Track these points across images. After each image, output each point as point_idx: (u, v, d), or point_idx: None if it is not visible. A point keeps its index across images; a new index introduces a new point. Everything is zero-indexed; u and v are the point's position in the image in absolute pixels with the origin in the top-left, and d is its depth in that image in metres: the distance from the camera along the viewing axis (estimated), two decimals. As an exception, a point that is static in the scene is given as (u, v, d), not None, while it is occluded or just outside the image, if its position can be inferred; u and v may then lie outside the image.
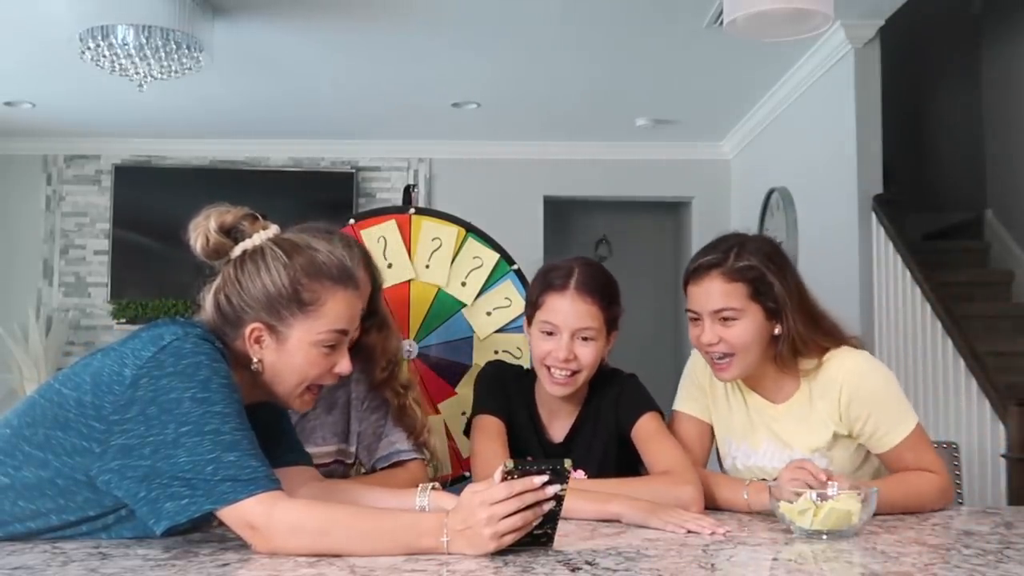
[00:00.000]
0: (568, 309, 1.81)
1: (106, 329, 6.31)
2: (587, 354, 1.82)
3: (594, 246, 7.24)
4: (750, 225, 5.33)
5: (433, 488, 1.54)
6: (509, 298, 2.48)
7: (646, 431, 1.85)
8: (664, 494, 1.66)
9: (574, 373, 1.83)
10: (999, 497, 3.25)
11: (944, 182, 5.75)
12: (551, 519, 1.31)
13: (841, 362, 1.79)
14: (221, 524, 1.33)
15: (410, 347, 2.41)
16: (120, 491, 1.29)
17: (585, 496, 1.62)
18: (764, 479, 1.77)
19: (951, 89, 5.79)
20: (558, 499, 1.28)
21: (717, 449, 1.96)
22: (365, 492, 1.56)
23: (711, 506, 1.72)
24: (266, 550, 1.28)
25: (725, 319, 1.75)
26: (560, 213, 6.93)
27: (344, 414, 1.97)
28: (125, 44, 3.76)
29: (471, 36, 4.47)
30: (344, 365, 1.48)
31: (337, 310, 1.45)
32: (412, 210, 2.56)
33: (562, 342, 1.81)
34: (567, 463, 1.27)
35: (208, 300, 1.46)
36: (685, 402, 1.95)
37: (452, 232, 2.51)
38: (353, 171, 6.49)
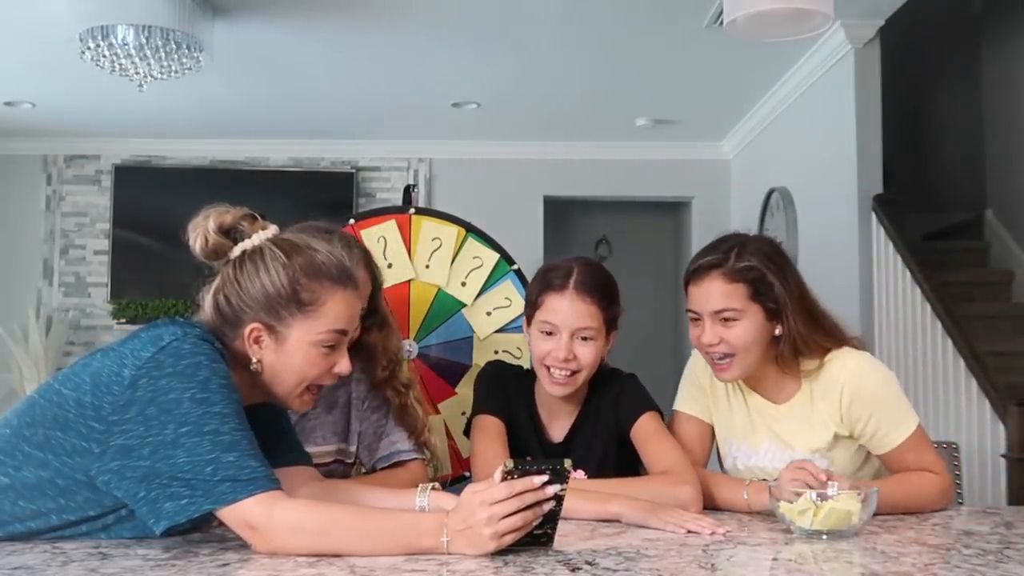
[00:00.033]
0: (567, 309, 1.81)
1: (106, 329, 6.31)
2: (587, 354, 1.82)
3: (594, 246, 7.25)
4: (750, 225, 5.32)
5: (433, 488, 1.54)
6: (509, 298, 2.48)
7: (645, 431, 1.85)
8: (663, 494, 1.66)
9: (574, 373, 1.83)
10: (999, 497, 3.25)
11: (944, 182, 5.75)
12: (551, 519, 1.31)
13: (842, 363, 1.79)
14: (221, 524, 1.33)
15: (410, 347, 2.41)
16: (120, 491, 1.29)
17: (585, 496, 1.62)
18: (764, 479, 1.77)
19: (951, 89, 5.79)
20: (558, 499, 1.28)
21: (717, 449, 1.96)
22: (365, 492, 1.56)
23: (711, 506, 1.72)
24: (266, 550, 1.28)
25: (726, 319, 1.75)
26: (560, 213, 6.93)
27: (344, 414, 1.97)
28: (125, 44, 3.76)
29: (471, 36, 4.47)
30: (343, 365, 1.48)
31: (336, 310, 1.45)
32: (412, 210, 2.56)
33: (561, 342, 1.81)
34: (567, 463, 1.27)
35: (207, 300, 1.46)
36: (685, 402, 1.95)
37: (452, 232, 2.51)
38: (353, 171, 6.49)
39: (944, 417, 3.62)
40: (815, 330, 1.79)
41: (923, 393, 3.78)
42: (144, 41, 3.75)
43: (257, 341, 1.43)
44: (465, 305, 2.48)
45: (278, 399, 1.48)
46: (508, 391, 1.94)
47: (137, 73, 3.96)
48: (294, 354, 1.44)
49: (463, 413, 2.20)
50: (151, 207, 6.13)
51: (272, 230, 1.48)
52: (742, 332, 1.75)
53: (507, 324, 2.48)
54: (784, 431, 1.83)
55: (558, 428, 1.94)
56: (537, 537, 1.31)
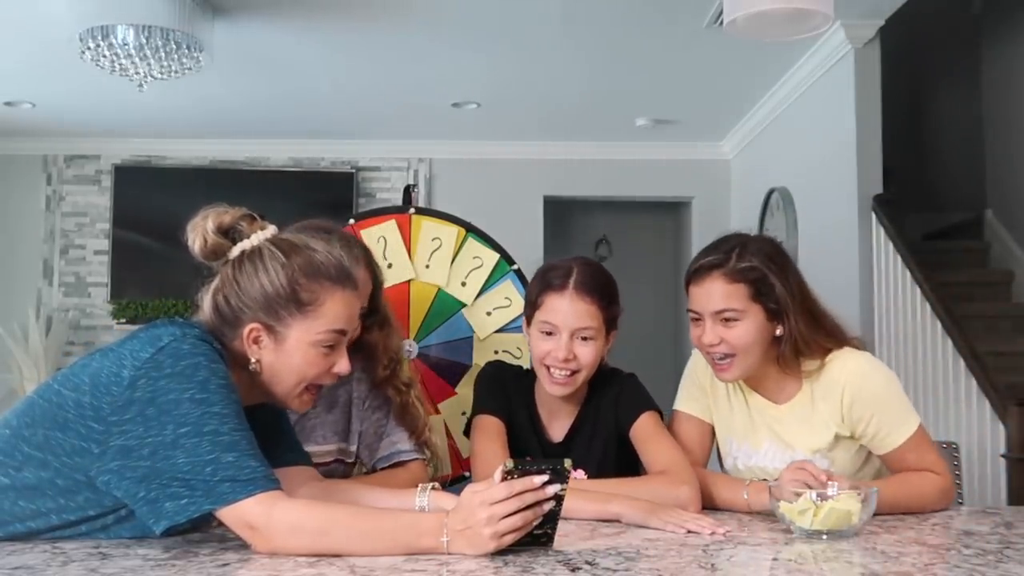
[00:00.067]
0: (567, 309, 1.81)
1: (106, 329, 6.31)
2: (586, 354, 1.82)
3: (594, 246, 7.25)
4: (750, 225, 5.32)
5: (433, 488, 1.54)
6: (509, 298, 2.48)
7: (644, 431, 1.85)
8: (661, 494, 1.66)
9: (574, 373, 1.83)
10: (999, 497, 3.25)
11: (944, 182, 5.75)
12: (551, 519, 1.31)
13: (843, 363, 1.79)
14: (220, 524, 1.33)
15: (410, 347, 2.41)
16: (119, 491, 1.29)
17: (585, 496, 1.62)
18: (765, 479, 1.77)
19: (951, 89, 5.79)
20: (558, 499, 1.28)
21: (718, 449, 1.96)
22: (365, 492, 1.56)
23: (711, 506, 1.72)
24: (266, 550, 1.28)
25: (726, 320, 1.75)
26: (560, 213, 6.93)
27: (345, 413, 1.97)
28: (125, 44, 3.76)
29: (471, 36, 4.47)
30: (343, 365, 1.48)
31: (335, 310, 1.45)
32: (412, 210, 2.56)
33: (561, 342, 1.81)
34: (567, 463, 1.27)
35: (206, 301, 1.45)
36: (686, 402, 1.95)
37: (452, 232, 2.51)
38: (353, 171, 6.49)
39: (944, 417, 3.62)
40: (816, 331, 1.79)
41: (923, 393, 3.78)
42: (144, 41, 3.75)
43: (256, 341, 1.43)
44: (465, 305, 2.48)
45: (277, 399, 1.48)
46: (508, 391, 1.94)
47: (137, 73, 3.96)
48: (293, 354, 1.43)
49: (463, 413, 2.20)
50: (151, 207, 6.13)
51: (271, 230, 1.48)
52: (743, 332, 1.75)
53: (507, 324, 2.48)
54: (785, 431, 1.83)
55: (558, 428, 1.94)
56: (537, 537, 1.31)
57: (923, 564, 1.28)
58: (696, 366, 1.95)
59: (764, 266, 1.75)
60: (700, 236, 6.36)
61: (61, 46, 4.19)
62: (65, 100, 5.52)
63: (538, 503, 1.27)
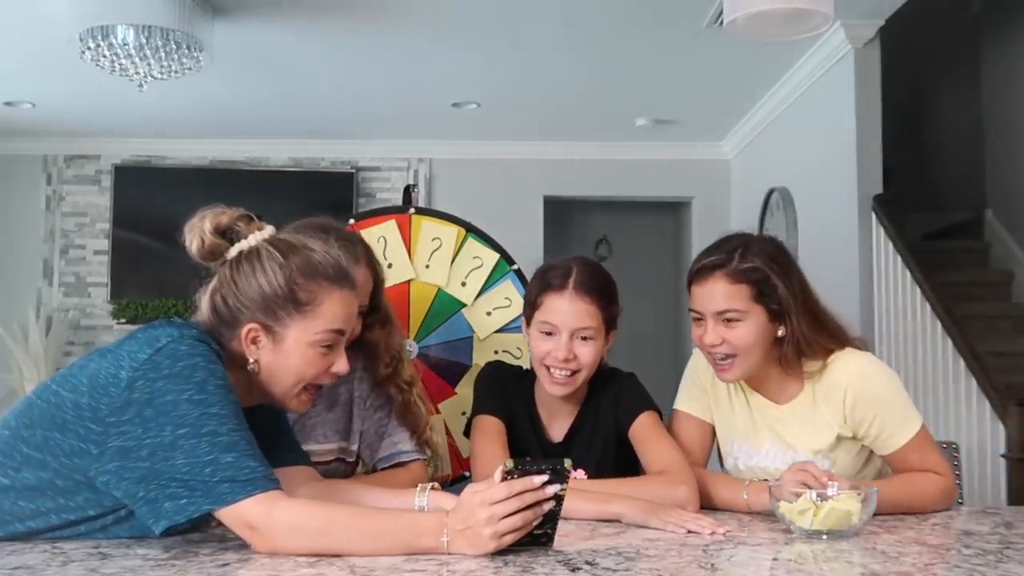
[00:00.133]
0: (567, 309, 1.81)
1: (106, 329, 6.31)
2: (586, 354, 1.82)
3: (594, 246, 7.25)
4: (750, 225, 5.33)
5: (432, 488, 1.53)
6: (509, 298, 2.48)
7: (643, 430, 1.85)
8: (660, 494, 1.65)
9: (574, 373, 1.83)
10: (999, 497, 3.25)
11: (944, 182, 5.75)
12: (551, 519, 1.31)
13: (845, 364, 1.79)
14: (220, 524, 1.33)
15: (410, 347, 2.41)
16: (119, 492, 1.29)
17: (585, 496, 1.62)
18: (765, 479, 1.76)
19: (951, 89, 5.79)
20: (558, 499, 1.28)
21: (718, 449, 1.96)
22: (365, 492, 1.56)
23: (710, 506, 1.72)
24: (266, 550, 1.28)
25: (728, 320, 1.75)
26: (560, 213, 6.93)
27: (346, 412, 1.97)
28: (125, 44, 3.76)
29: (471, 36, 4.47)
30: (341, 365, 1.48)
31: (334, 310, 1.45)
32: (412, 210, 2.56)
33: (561, 342, 1.81)
34: (567, 463, 1.27)
35: (204, 301, 1.45)
36: (686, 402, 1.95)
37: (452, 232, 2.51)
38: (353, 171, 6.49)
39: (944, 417, 3.62)
40: (818, 332, 1.79)
41: (923, 393, 3.78)
42: (144, 41, 3.75)
43: (254, 341, 1.43)
44: (465, 305, 2.48)
45: (276, 399, 1.48)
46: (508, 391, 1.94)
47: (137, 73, 3.96)
48: (291, 354, 1.43)
49: (463, 413, 2.20)
50: (151, 207, 6.13)
51: (268, 230, 1.48)
52: (745, 333, 1.75)
53: (507, 324, 2.48)
54: (786, 432, 1.82)
55: (558, 428, 1.94)
56: (537, 537, 1.31)
57: (923, 564, 1.28)
58: (697, 366, 1.95)
59: (767, 267, 1.75)
60: (700, 236, 6.37)
61: (61, 46, 4.19)
62: (65, 100, 5.52)
63: (538, 503, 1.27)
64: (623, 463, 1.88)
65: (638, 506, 1.58)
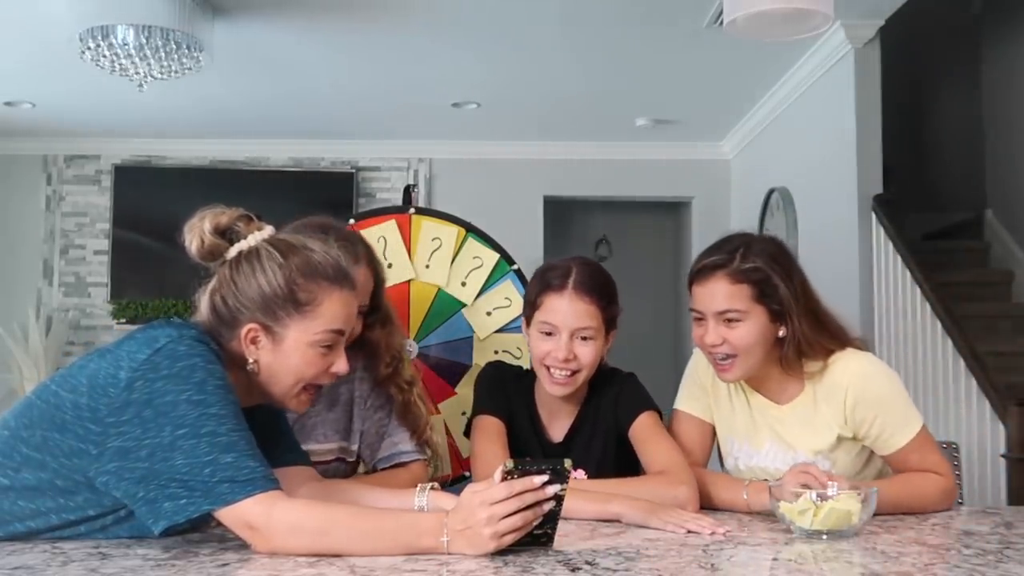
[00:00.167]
0: (567, 309, 1.81)
1: (106, 329, 6.31)
2: (586, 354, 1.82)
3: (594, 246, 7.25)
4: (750, 225, 5.33)
5: (432, 488, 1.53)
6: (509, 298, 2.48)
7: (643, 430, 1.85)
8: (659, 494, 1.65)
9: (574, 373, 1.83)
10: (999, 497, 3.25)
11: (944, 182, 5.75)
12: (551, 519, 1.31)
13: (846, 365, 1.79)
14: (219, 524, 1.33)
15: (410, 347, 2.41)
16: (118, 492, 1.29)
17: (585, 496, 1.62)
18: (765, 479, 1.76)
19: (951, 89, 5.79)
20: (558, 499, 1.28)
21: (719, 448, 1.96)
22: (365, 492, 1.56)
23: (710, 506, 1.72)
24: (266, 550, 1.28)
25: (729, 320, 1.75)
26: (560, 213, 6.93)
27: (347, 412, 1.97)
28: (125, 44, 3.76)
29: (471, 36, 4.47)
30: (341, 365, 1.48)
31: (333, 310, 1.45)
32: (412, 210, 2.56)
33: (561, 342, 1.81)
34: (567, 463, 1.27)
35: (204, 301, 1.45)
36: (686, 401, 1.95)
37: (452, 232, 2.51)
38: (353, 171, 6.50)
39: (944, 417, 3.62)
40: (819, 332, 1.79)
41: (923, 393, 3.78)
42: (144, 41, 3.75)
43: (254, 342, 1.43)
44: (465, 305, 2.48)
45: (275, 399, 1.48)
46: (508, 391, 1.94)
47: (137, 73, 3.96)
48: (291, 354, 1.43)
49: (463, 413, 2.20)
50: (151, 207, 6.13)
51: (268, 231, 1.48)
52: (745, 333, 1.74)
53: (507, 324, 2.48)
54: (787, 432, 1.82)
55: (558, 428, 1.94)
56: (537, 537, 1.31)
57: (923, 564, 1.28)
58: (697, 365, 1.94)
59: (768, 267, 1.75)
60: (700, 236, 6.37)
61: (61, 46, 4.19)
62: (65, 100, 5.52)
63: (538, 503, 1.27)
64: (623, 463, 1.88)
65: (638, 506, 1.58)
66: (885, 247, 4.16)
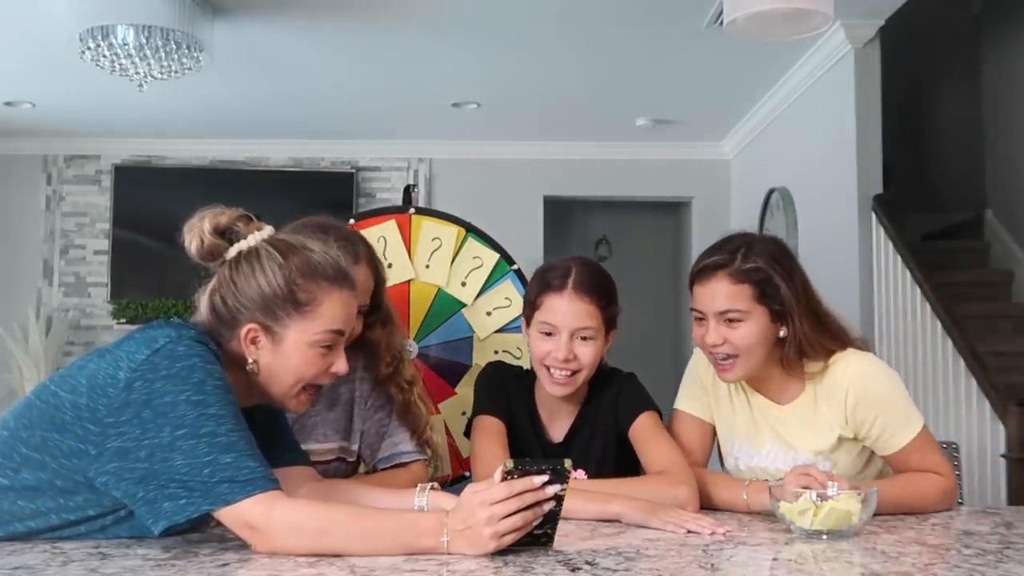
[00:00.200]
0: (567, 309, 1.81)
1: (106, 329, 6.31)
2: (586, 354, 1.82)
3: (594, 246, 7.25)
4: (750, 225, 5.33)
5: (432, 488, 1.53)
6: (509, 298, 2.48)
7: (643, 430, 1.85)
8: (659, 494, 1.65)
9: (574, 373, 1.83)
10: (999, 497, 3.25)
11: (944, 182, 5.75)
12: (551, 519, 1.31)
13: (847, 365, 1.79)
14: (219, 524, 1.33)
15: (410, 347, 2.41)
16: (118, 492, 1.29)
17: (585, 496, 1.62)
18: (766, 480, 1.76)
19: (951, 89, 5.79)
20: (558, 499, 1.28)
21: (719, 448, 1.96)
22: (365, 492, 1.56)
23: (710, 506, 1.72)
24: (266, 550, 1.28)
25: (730, 320, 1.75)
26: (560, 213, 6.93)
27: (347, 411, 1.97)
28: (125, 44, 3.76)
29: (471, 36, 4.47)
30: (340, 365, 1.48)
31: (333, 310, 1.45)
32: (412, 210, 2.56)
33: (561, 342, 1.81)
34: (567, 463, 1.27)
35: (203, 301, 1.45)
36: (687, 401, 1.95)
37: (452, 232, 2.51)
38: (353, 171, 6.50)
39: (944, 417, 3.62)
40: (821, 333, 1.79)
41: (923, 393, 3.78)
42: (144, 41, 3.75)
43: (254, 342, 1.43)
44: (465, 305, 2.48)
45: (275, 400, 1.48)
46: (508, 391, 1.94)
47: (137, 73, 3.96)
48: (291, 355, 1.43)
49: (463, 413, 2.20)
50: (151, 207, 6.13)
51: (268, 231, 1.48)
52: (746, 333, 1.74)
53: (507, 324, 2.48)
54: (787, 432, 1.82)
55: (558, 428, 1.94)
56: (537, 537, 1.31)
57: (923, 564, 1.28)
58: (698, 365, 1.94)
59: (769, 267, 1.75)
60: (700, 236, 6.37)
61: (61, 46, 4.19)
62: (65, 100, 5.52)
63: (538, 503, 1.27)
64: (623, 463, 1.88)
65: (638, 506, 1.58)
66: (885, 247, 4.16)
